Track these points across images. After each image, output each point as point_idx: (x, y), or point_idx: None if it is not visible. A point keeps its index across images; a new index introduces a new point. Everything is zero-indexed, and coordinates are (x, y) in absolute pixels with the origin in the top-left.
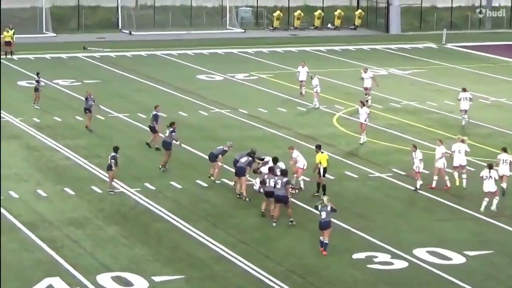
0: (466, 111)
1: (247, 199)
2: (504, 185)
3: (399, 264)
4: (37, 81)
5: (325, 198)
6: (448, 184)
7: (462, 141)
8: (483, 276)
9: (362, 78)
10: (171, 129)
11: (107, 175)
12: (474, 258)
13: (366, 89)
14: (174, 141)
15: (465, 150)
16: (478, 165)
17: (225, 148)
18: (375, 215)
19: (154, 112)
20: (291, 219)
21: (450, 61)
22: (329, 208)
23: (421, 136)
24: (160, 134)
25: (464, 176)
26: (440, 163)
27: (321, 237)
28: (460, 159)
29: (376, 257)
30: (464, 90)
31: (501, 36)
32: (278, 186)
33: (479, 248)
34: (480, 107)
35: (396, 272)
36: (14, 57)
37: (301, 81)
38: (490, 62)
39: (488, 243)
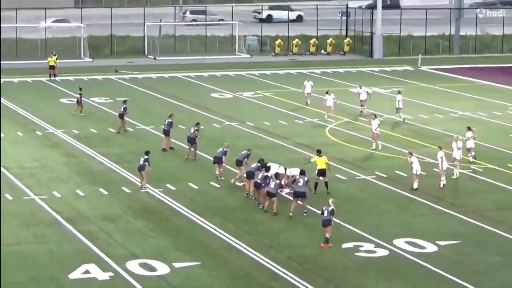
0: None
1: (254, 198)
2: (472, 153)
3: (382, 252)
4: (80, 94)
5: (330, 200)
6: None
7: (471, 129)
8: (452, 262)
9: (358, 93)
10: (195, 127)
11: (139, 176)
12: (445, 247)
13: (361, 101)
14: (196, 137)
15: (473, 137)
16: (448, 169)
17: (225, 149)
18: (361, 211)
19: (170, 120)
20: (306, 211)
21: (424, 81)
22: (330, 209)
23: (400, 144)
24: (171, 139)
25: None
26: (445, 165)
27: (326, 234)
28: (470, 144)
29: (362, 246)
30: (399, 92)
31: (467, 60)
32: (300, 184)
33: (449, 238)
34: (449, 120)
35: (379, 259)
36: (57, 78)
37: (307, 93)
38: (458, 82)
39: (457, 235)
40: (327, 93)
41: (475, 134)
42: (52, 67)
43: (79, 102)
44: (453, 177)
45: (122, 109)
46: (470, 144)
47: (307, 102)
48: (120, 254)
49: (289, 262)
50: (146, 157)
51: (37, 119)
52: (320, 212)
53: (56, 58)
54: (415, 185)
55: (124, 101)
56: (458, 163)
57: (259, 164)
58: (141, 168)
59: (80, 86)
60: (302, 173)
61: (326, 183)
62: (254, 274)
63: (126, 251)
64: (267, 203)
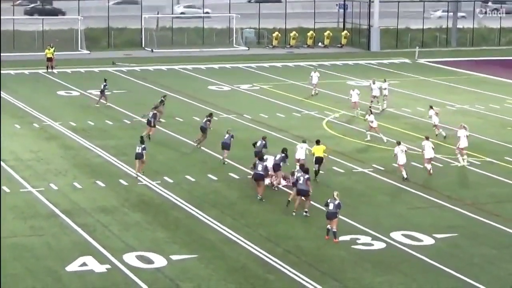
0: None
1: (276, 188)
2: (465, 157)
3: (379, 245)
4: (104, 85)
5: (335, 193)
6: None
7: (464, 127)
8: (448, 255)
9: (371, 88)
10: (208, 118)
11: (135, 164)
12: (442, 240)
13: (374, 97)
14: (208, 128)
15: (466, 135)
16: (445, 161)
17: (230, 134)
18: (358, 204)
19: (154, 112)
20: (306, 210)
21: (421, 74)
22: (336, 202)
23: (398, 137)
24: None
25: (465, 156)
26: (429, 154)
27: (328, 226)
28: (464, 143)
29: (359, 239)
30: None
31: (464, 53)
32: (301, 181)
33: (446, 231)
34: (447, 113)
35: (376, 252)
36: (55, 71)
37: (314, 84)
38: (455, 75)
39: (453, 228)
40: (353, 90)
41: (467, 132)
42: (49, 59)
43: (103, 93)
44: (459, 164)
45: (102, 86)
46: (463, 143)
47: (315, 93)
48: (117, 246)
49: (286, 255)
50: (143, 145)
51: (34, 111)
52: (324, 204)
53: (54, 50)
54: (404, 174)
55: (105, 80)
56: (465, 151)
57: (283, 154)
58: (140, 156)
59: (105, 78)
60: (305, 171)
61: (316, 172)
62: (251, 267)
63: (123, 243)
64: (258, 188)
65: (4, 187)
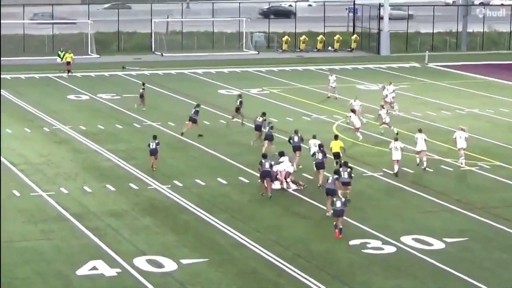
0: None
1: (304, 186)
2: (463, 158)
3: (389, 249)
4: (143, 89)
5: (339, 192)
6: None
7: (463, 129)
8: (459, 259)
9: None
10: (196, 109)
11: (150, 160)
12: (452, 244)
13: (386, 102)
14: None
15: (465, 137)
16: (455, 165)
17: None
18: (368, 208)
19: (197, 108)
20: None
21: (431, 78)
22: (344, 200)
23: (408, 141)
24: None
25: (462, 157)
26: (421, 147)
27: (334, 222)
28: (461, 143)
29: (369, 243)
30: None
31: (474, 57)
32: (329, 180)
33: (456, 235)
34: (456, 117)
35: (386, 256)
36: (65, 75)
37: (331, 87)
38: (465, 79)
39: (464, 232)
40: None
41: (466, 134)
42: (68, 63)
43: (142, 97)
44: (461, 167)
45: (141, 90)
46: (462, 144)
47: (335, 97)
48: (128, 250)
49: (296, 258)
50: (156, 141)
51: (45, 115)
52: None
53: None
54: (395, 169)
55: (143, 84)
56: (463, 152)
57: (319, 149)
58: (155, 152)
59: (143, 81)
60: (336, 172)
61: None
62: (261, 271)
63: (133, 247)
64: (265, 185)
65: (14, 191)
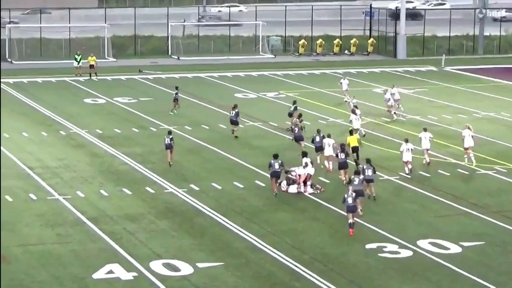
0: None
1: (321, 191)
2: (471, 155)
3: (405, 253)
4: (176, 93)
5: (350, 187)
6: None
7: (469, 128)
8: (476, 263)
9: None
10: (236, 110)
11: (166, 155)
12: (469, 248)
13: (396, 100)
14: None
15: (472, 135)
16: (471, 169)
17: (322, 135)
18: (384, 211)
19: (237, 110)
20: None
21: (448, 82)
22: (354, 195)
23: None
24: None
25: (471, 155)
26: (426, 145)
27: (349, 221)
28: (469, 142)
29: (385, 247)
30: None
31: (491, 61)
32: (356, 182)
33: (473, 239)
34: (473, 120)
35: (402, 260)
36: (81, 79)
37: (344, 90)
38: (481, 82)
39: (481, 236)
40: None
41: (472, 132)
42: (92, 66)
43: (176, 100)
44: (468, 164)
45: (174, 94)
46: (469, 143)
47: (345, 100)
48: (144, 254)
49: (312, 262)
50: (171, 136)
51: (61, 119)
52: (342, 200)
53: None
54: (406, 170)
55: (176, 88)
56: (470, 150)
57: (341, 149)
58: (170, 146)
59: (176, 86)
60: (357, 173)
61: (356, 161)
62: (277, 274)
63: (149, 251)
64: (275, 186)
65: (31, 195)
